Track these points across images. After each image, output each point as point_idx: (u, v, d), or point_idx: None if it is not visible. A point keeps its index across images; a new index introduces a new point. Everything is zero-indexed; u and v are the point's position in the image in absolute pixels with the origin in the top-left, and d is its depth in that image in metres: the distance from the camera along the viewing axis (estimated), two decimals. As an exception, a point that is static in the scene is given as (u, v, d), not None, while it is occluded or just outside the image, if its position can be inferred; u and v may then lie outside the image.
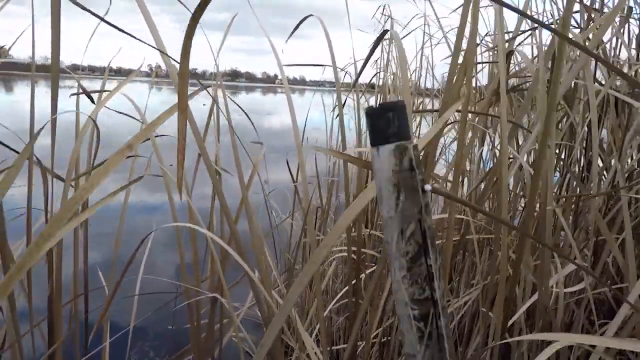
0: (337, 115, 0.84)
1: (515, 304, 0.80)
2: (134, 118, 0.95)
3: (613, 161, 0.90)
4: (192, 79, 0.79)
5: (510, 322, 0.62)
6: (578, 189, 0.92)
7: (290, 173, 1.34)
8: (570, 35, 0.95)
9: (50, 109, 0.63)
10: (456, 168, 0.53)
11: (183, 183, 0.92)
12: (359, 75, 0.70)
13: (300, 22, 0.72)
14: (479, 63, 1.28)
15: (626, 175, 0.92)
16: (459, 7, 0.56)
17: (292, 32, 0.75)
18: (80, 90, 0.83)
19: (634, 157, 0.96)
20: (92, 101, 0.82)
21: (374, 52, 0.66)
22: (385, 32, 0.62)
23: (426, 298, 0.31)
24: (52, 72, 0.58)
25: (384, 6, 1.78)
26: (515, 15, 0.94)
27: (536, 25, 0.87)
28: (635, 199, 0.91)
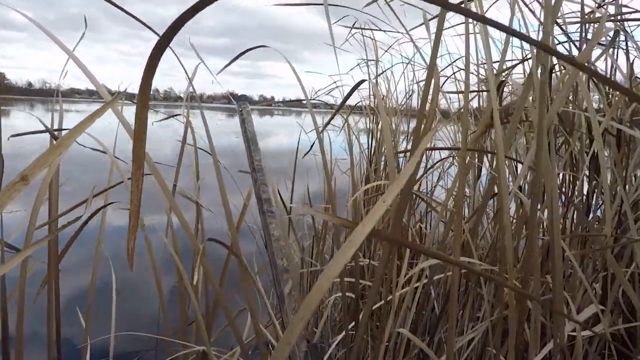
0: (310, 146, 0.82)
1: (527, 342, 0.75)
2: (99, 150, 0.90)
3: (618, 188, 0.88)
4: (190, 101, 0.78)
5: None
6: (583, 226, 0.89)
7: (283, 203, 1.30)
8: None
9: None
10: (457, 204, 0.49)
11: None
12: (340, 106, 0.68)
13: (249, 49, 0.71)
14: (471, 92, 1.27)
15: (631, 204, 0.90)
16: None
17: (235, 59, 0.74)
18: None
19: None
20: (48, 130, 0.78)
21: (350, 96, 0.65)
22: (361, 81, 0.60)
23: None
24: None
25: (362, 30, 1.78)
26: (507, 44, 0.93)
27: (527, 56, 0.86)
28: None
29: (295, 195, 1.60)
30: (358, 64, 1.70)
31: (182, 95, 0.77)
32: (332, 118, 0.67)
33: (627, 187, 0.89)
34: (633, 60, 1.04)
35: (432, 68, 0.48)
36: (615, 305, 0.89)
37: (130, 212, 0.22)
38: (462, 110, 0.49)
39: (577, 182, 0.91)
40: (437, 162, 1.05)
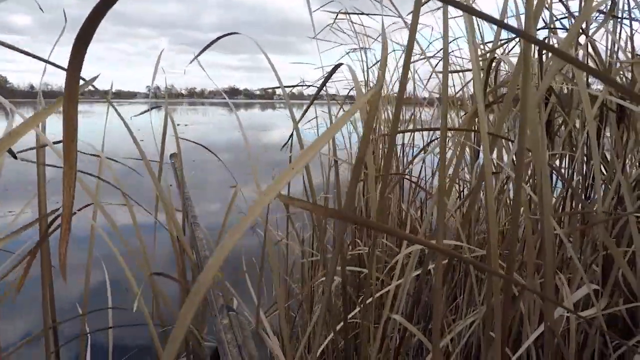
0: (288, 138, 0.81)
1: (522, 323, 0.74)
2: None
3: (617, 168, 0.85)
4: (191, 98, 0.77)
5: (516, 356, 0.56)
6: (580, 205, 0.86)
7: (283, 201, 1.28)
8: (554, 41, 0.91)
9: None
10: (440, 188, 0.48)
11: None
12: (315, 94, 0.67)
13: (219, 37, 0.68)
14: (453, 72, 1.24)
15: (632, 184, 0.87)
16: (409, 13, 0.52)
17: (203, 50, 0.71)
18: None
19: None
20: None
21: (328, 80, 0.63)
22: (337, 66, 0.58)
23: None
24: None
25: (349, 17, 1.74)
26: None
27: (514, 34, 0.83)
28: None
29: (298, 188, 1.61)
30: (347, 53, 1.68)
31: (183, 92, 0.76)
32: (307, 109, 0.66)
33: (626, 166, 0.86)
34: (633, 35, 1.00)
35: (409, 52, 0.46)
36: (616, 286, 0.87)
37: (62, 216, 0.20)
38: (443, 88, 0.47)
39: (576, 162, 0.89)
40: (427, 144, 1.03)
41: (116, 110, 0.77)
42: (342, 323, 0.62)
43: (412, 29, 0.45)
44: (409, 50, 0.46)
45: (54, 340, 0.77)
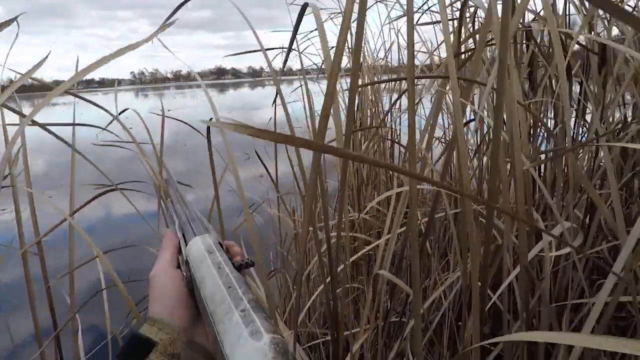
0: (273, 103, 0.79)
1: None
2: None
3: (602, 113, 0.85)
4: (177, 81, 0.74)
5: (487, 306, 0.57)
6: (560, 152, 0.86)
7: (266, 168, 1.28)
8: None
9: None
10: (410, 139, 0.47)
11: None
12: (284, 63, 0.65)
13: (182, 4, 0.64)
14: (423, 24, 1.20)
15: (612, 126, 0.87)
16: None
17: (169, 18, 0.67)
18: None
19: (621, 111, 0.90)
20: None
21: (296, 33, 0.60)
22: (305, 5, 0.55)
23: None
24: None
25: None
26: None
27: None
28: (626, 149, 0.85)
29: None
30: (330, 17, 1.63)
31: (169, 75, 0.72)
32: (279, 89, 0.64)
33: (606, 110, 0.85)
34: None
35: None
36: (599, 228, 0.89)
37: None
38: (408, 33, 0.46)
39: (559, 110, 0.88)
40: (400, 95, 1.01)
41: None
42: (329, 277, 0.63)
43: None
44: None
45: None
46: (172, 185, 0.60)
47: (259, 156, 1.14)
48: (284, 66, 0.70)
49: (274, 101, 0.78)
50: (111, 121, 0.86)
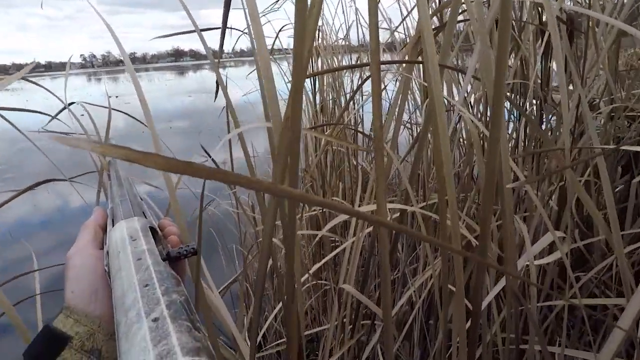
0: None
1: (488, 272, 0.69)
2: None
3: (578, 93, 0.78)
4: (132, 64, 0.62)
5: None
6: (537, 137, 0.80)
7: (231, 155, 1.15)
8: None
9: None
10: (375, 131, 0.37)
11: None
12: (221, 45, 0.54)
13: None
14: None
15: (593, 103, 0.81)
16: None
17: None
18: None
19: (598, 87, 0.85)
20: None
21: (227, 12, 0.49)
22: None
23: None
24: None
25: None
26: None
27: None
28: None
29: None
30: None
31: (122, 58, 0.60)
32: (220, 50, 0.52)
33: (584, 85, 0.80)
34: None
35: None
36: (575, 224, 0.85)
37: None
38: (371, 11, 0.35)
39: (530, 90, 0.81)
40: (361, 83, 0.92)
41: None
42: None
43: None
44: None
45: None
46: (113, 166, 0.54)
47: (205, 151, 1.01)
48: (220, 48, 0.58)
49: (216, 92, 0.65)
50: (61, 110, 0.78)
